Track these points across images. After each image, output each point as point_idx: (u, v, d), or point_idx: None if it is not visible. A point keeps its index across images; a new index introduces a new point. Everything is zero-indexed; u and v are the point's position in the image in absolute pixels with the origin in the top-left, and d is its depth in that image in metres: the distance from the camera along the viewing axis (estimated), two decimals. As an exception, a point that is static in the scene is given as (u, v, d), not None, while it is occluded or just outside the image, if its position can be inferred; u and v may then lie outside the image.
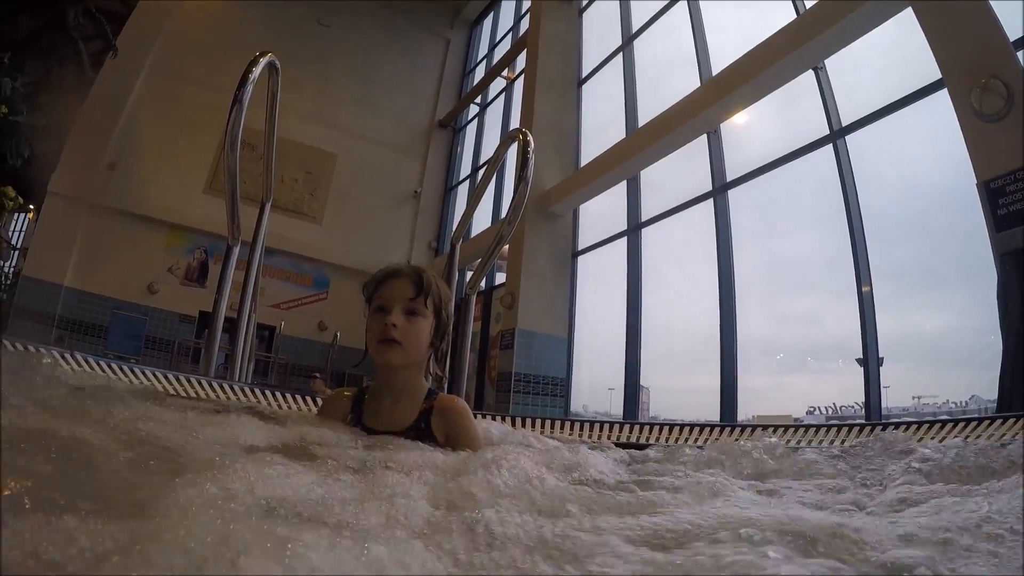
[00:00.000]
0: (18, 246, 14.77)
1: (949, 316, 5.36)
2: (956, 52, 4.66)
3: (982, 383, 4.61)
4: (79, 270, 10.87)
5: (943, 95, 4.81)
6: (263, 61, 2.45)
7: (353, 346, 12.29)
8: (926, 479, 1.40)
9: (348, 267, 13.33)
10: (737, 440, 2.04)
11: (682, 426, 2.34)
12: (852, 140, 5.97)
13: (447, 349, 1.78)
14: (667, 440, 2.27)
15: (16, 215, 14.42)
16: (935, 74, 4.93)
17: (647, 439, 2.30)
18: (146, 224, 11.59)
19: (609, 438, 2.34)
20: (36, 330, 10.05)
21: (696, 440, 2.23)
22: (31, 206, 11.94)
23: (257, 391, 2.28)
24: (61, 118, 11.10)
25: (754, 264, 6.92)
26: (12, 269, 13.20)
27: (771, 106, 6.88)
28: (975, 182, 4.38)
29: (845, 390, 5.73)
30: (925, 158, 5.69)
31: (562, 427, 2.42)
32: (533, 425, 2.42)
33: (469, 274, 9.10)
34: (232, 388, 2.24)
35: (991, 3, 4.47)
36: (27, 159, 10.45)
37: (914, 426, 1.98)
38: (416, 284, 1.64)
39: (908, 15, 5.10)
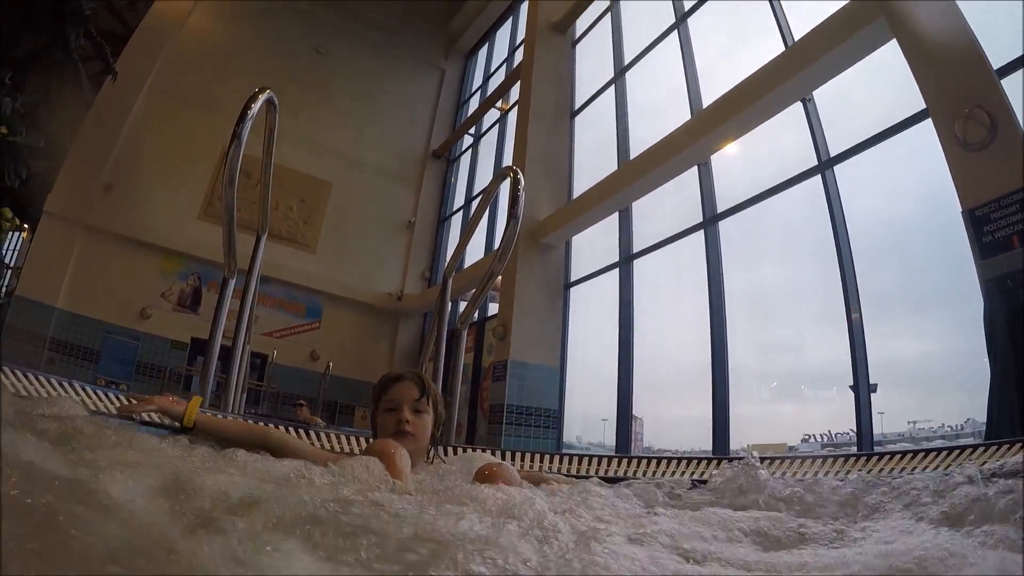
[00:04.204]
0: (11, 265, 14.72)
1: (942, 341, 5.40)
2: (940, 82, 4.74)
3: (975, 406, 4.62)
4: (72, 292, 10.83)
5: (927, 125, 4.91)
6: (262, 98, 2.47)
7: (345, 376, 12.28)
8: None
9: (341, 296, 13.36)
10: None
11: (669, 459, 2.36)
12: (839, 170, 6.06)
13: (442, 437, 2.19)
14: (652, 473, 2.29)
15: (10, 234, 14.38)
16: (920, 104, 5.02)
17: (632, 472, 2.32)
18: (140, 248, 11.59)
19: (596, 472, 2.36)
20: (27, 351, 9.99)
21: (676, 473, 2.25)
22: (25, 226, 11.92)
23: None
24: (59, 139, 11.12)
25: (745, 293, 6.96)
26: (5, 288, 13.14)
27: (761, 137, 6.98)
28: (960, 210, 4.45)
29: (839, 417, 5.73)
30: (911, 187, 5.78)
31: (550, 460, 2.45)
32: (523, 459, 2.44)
33: (462, 304, 9.13)
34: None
35: (974, 33, 4.57)
36: (24, 179, 10.46)
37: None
38: (420, 387, 1.99)
39: (893, 46, 5.21)
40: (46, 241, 10.84)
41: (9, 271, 14.11)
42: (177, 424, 1.83)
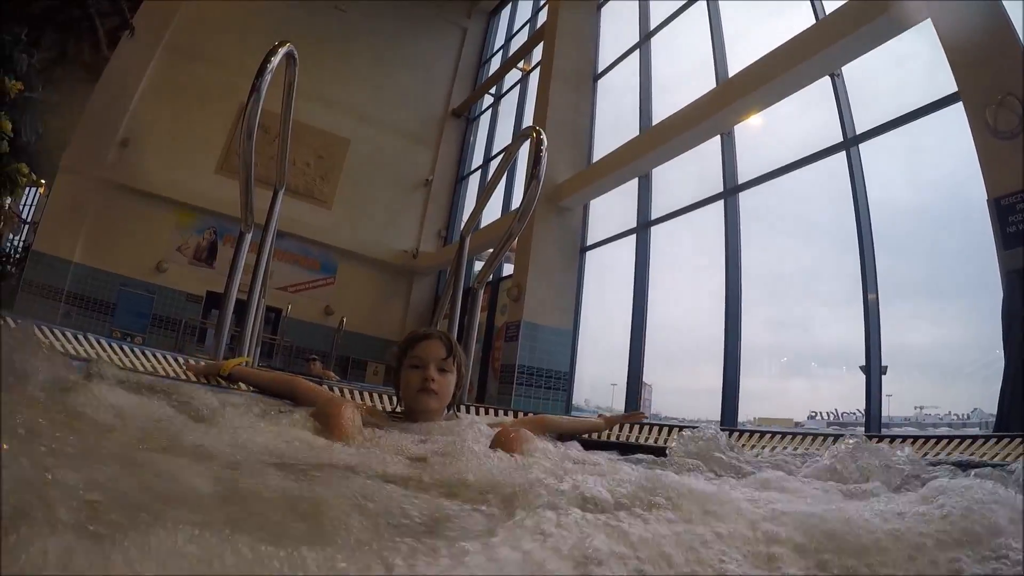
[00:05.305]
0: (28, 220, 14.83)
1: (956, 329, 5.36)
2: (974, 67, 4.62)
3: (985, 397, 4.60)
4: (88, 246, 10.94)
5: (954, 110, 4.80)
6: (281, 51, 2.43)
7: (358, 332, 12.38)
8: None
9: (357, 253, 13.41)
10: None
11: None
12: (864, 148, 5.95)
13: (463, 397, 2.32)
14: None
15: (28, 189, 14.46)
16: (951, 87, 4.90)
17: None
18: (156, 202, 11.64)
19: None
20: (44, 305, 10.12)
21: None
22: (43, 181, 11.98)
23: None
24: (75, 95, 11.12)
25: (761, 267, 6.92)
26: (22, 243, 13.26)
27: (786, 110, 6.85)
28: (985, 198, 4.36)
29: (847, 397, 5.73)
30: (934, 174, 5.69)
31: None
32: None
33: (477, 263, 9.10)
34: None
35: (1011, 19, 4.44)
36: (40, 135, 10.48)
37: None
38: (447, 347, 2.03)
39: (927, 26, 5.07)
40: (63, 196, 10.92)
41: (26, 226, 14.22)
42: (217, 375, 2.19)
